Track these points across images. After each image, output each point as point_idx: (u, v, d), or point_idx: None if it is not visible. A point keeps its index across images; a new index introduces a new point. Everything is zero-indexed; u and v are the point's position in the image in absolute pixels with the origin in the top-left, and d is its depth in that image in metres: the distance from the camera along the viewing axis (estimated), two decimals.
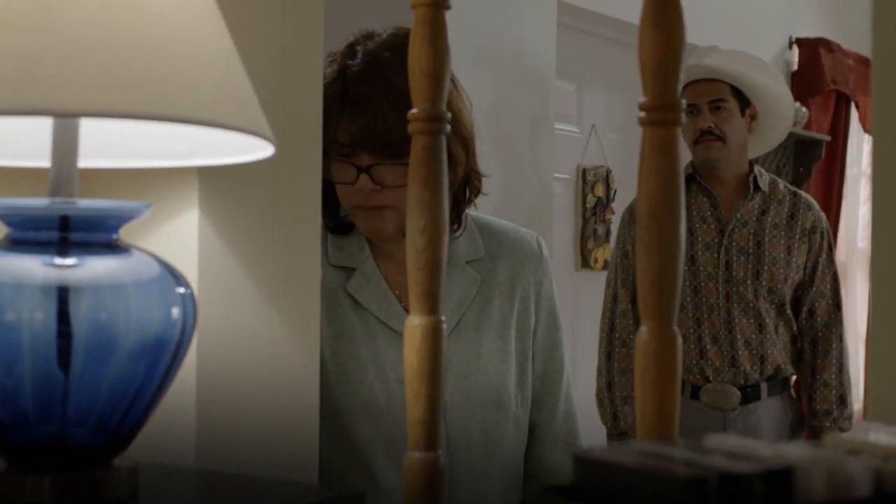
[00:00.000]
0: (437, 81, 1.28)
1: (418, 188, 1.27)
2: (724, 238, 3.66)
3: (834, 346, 3.66)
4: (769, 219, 3.67)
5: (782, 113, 3.79)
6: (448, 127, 1.31)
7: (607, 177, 5.15)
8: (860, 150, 7.24)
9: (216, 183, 1.50)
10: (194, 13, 1.21)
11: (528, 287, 1.98)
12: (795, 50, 6.40)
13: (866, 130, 6.99)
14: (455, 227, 1.93)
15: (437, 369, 1.28)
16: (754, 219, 3.67)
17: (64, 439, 1.21)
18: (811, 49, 6.36)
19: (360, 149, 1.78)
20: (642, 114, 1.15)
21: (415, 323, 1.28)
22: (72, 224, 1.20)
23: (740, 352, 3.63)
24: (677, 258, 1.14)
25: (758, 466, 0.76)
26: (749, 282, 3.64)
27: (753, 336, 3.64)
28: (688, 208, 3.69)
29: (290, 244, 1.62)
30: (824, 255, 3.68)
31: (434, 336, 1.28)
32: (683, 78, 4.00)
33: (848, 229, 7.09)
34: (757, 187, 3.70)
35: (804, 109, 6.16)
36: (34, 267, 1.19)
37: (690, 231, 3.69)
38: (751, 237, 3.65)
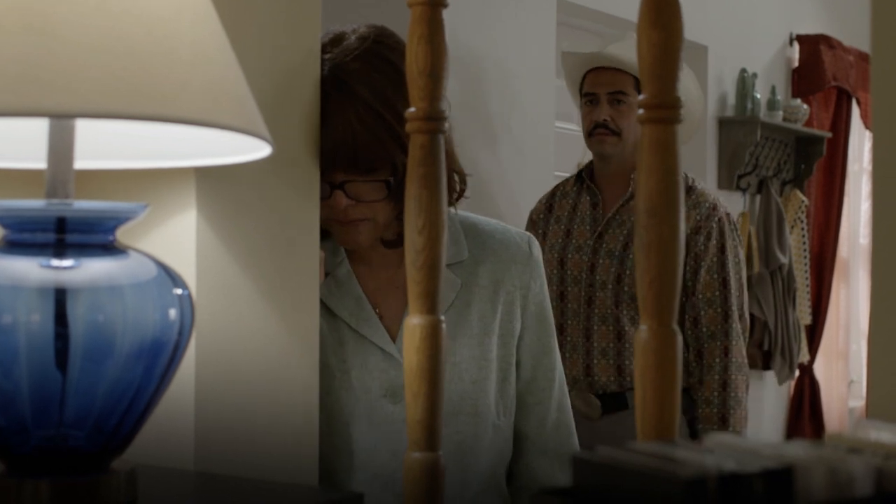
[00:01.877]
0: (435, 80, 1.27)
1: (416, 187, 1.27)
2: (595, 240, 3.43)
3: (717, 360, 3.32)
4: None
5: (690, 112, 3.47)
6: (447, 126, 1.30)
7: None
8: (861, 146, 7.23)
9: (213, 183, 1.50)
10: (190, 14, 1.20)
11: (513, 290, 1.88)
12: (796, 46, 6.39)
13: (867, 127, 6.98)
14: None
15: (437, 369, 1.28)
16: (633, 219, 3.37)
17: (62, 442, 1.20)
18: (812, 46, 6.35)
19: (331, 165, 1.70)
20: (641, 111, 1.14)
21: (414, 322, 1.28)
22: (68, 225, 1.20)
23: (595, 361, 3.38)
24: (677, 257, 1.13)
25: (758, 466, 0.75)
26: (610, 287, 3.37)
27: (611, 346, 3.36)
28: (574, 208, 3.54)
29: (289, 244, 1.61)
30: (711, 259, 3.35)
31: (434, 335, 1.28)
32: (584, 65, 3.50)
33: (850, 226, 7.08)
34: None
35: (805, 106, 6.15)
36: (31, 269, 1.19)
37: (568, 233, 3.50)
38: (621, 239, 3.39)
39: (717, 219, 3.36)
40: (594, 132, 3.43)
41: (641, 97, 1.15)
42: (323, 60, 1.71)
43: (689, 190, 3.41)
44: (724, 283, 3.33)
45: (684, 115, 3.45)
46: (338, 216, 1.74)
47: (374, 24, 1.80)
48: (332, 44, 1.75)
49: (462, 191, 1.86)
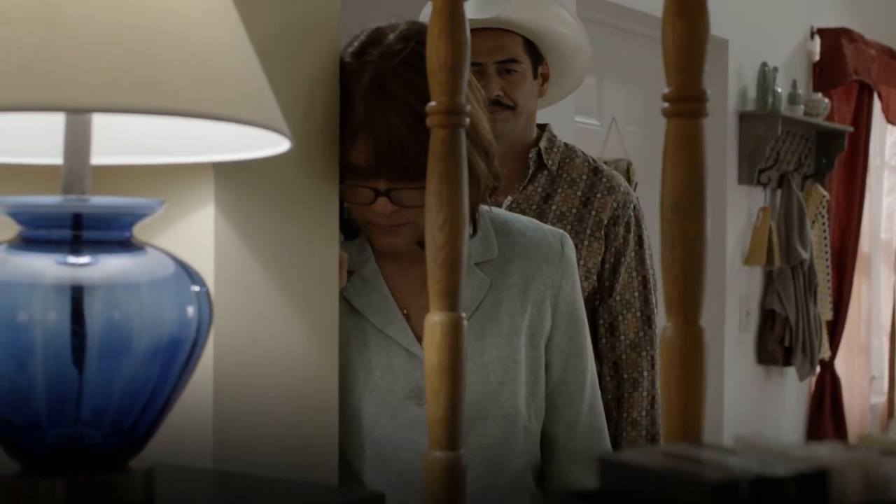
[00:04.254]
0: (456, 74, 1.25)
1: (437, 182, 1.25)
2: None
3: (645, 374, 2.73)
4: (553, 206, 2.75)
5: (578, 71, 2.95)
6: (467, 120, 1.28)
7: (628, 169, 5.11)
8: (883, 140, 7.19)
9: (232, 178, 1.48)
10: (208, 7, 1.19)
11: (543, 290, 1.85)
12: (817, 40, 6.35)
13: (889, 121, 6.94)
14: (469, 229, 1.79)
15: (459, 367, 1.26)
16: (534, 207, 2.76)
17: (78, 441, 1.19)
18: (833, 39, 6.31)
19: (376, 173, 1.66)
20: (665, 105, 1.12)
21: (435, 320, 1.26)
22: (85, 222, 1.19)
23: None
24: (702, 252, 1.11)
25: (791, 469, 0.73)
26: None
27: None
28: None
29: (308, 240, 1.59)
30: (631, 255, 2.74)
31: (454, 333, 1.26)
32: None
33: (871, 221, 7.04)
34: (541, 165, 2.79)
35: (826, 100, 6.12)
36: (47, 266, 1.18)
37: None
38: None
39: (633, 206, 2.77)
40: None
41: (665, 91, 1.12)
42: (364, 63, 1.67)
43: (596, 171, 2.80)
44: (644, 282, 2.77)
45: (566, 79, 2.81)
46: (379, 220, 1.71)
47: (413, 21, 1.74)
48: (371, 44, 1.69)
49: (495, 188, 1.81)
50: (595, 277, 2.71)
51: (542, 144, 2.79)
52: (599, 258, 2.71)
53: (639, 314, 2.74)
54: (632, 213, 2.74)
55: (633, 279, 2.73)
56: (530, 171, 2.76)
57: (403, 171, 1.65)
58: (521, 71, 2.76)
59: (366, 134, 1.64)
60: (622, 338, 2.75)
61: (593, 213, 2.72)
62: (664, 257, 1.12)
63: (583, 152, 2.85)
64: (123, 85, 1.07)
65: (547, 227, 1.93)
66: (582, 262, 2.66)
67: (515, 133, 2.76)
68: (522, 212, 2.68)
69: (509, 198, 2.76)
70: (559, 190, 2.75)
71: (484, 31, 2.73)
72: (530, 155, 2.77)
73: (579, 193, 2.75)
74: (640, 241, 2.75)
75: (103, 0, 1.10)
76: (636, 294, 2.74)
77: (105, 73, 1.07)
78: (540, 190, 2.76)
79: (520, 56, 2.76)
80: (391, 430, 1.76)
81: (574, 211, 2.72)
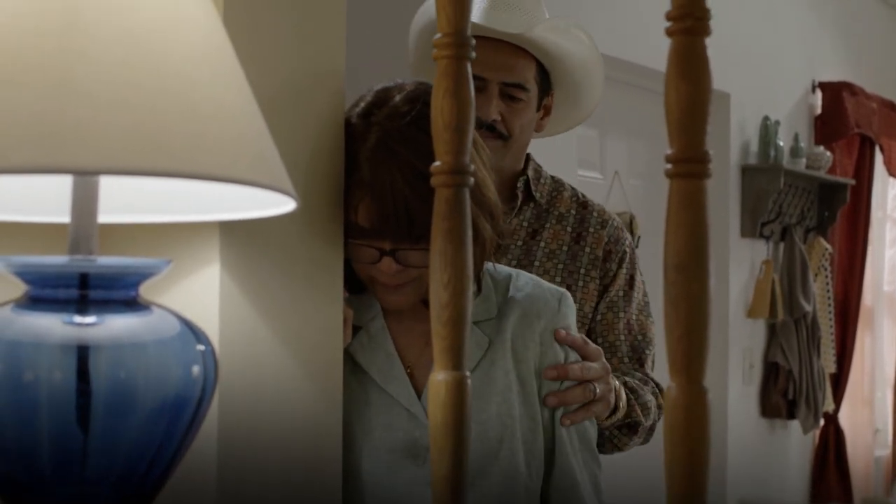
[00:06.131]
0: (461, 134, 1.26)
1: (441, 241, 1.25)
2: None
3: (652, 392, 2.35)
4: (542, 244, 2.48)
5: (587, 105, 2.67)
6: (471, 180, 1.28)
7: (631, 223, 5.12)
8: (885, 193, 7.21)
9: (238, 238, 1.49)
10: (214, 69, 1.20)
11: (533, 347, 1.82)
12: (818, 94, 6.37)
13: (891, 173, 6.96)
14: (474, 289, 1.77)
15: (463, 425, 1.26)
16: (520, 243, 2.47)
17: (83, 500, 1.19)
18: (834, 93, 6.34)
19: (381, 234, 1.67)
20: (668, 166, 1.12)
21: (439, 378, 1.26)
22: (91, 281, 1.19)
23: None
24: (706, 312, 1.11)
25: None
26: None
27: None
28: None
29: (313, 299, 1.60)
30: (617, 292, 2.45)
31: (459, 391, 1.26)
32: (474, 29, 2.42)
33: (874, 273, 7.04)
34: (529, 196, 2.51)
35: (828, 153, 6.14)
36: (53, 325, 1.18)
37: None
38: None
39: (626, 242, 2.51)
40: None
41: (666, 147, 1.13)
42: (370, 124, 1.67)
43: (585, 205, 2.52)
44: (628, 327, 2.45)
45: (580, 97, 2.59)
46: (384, 279, 1.72)
47: (420, 81, 1.75)
48: (378, 105, 1.70)
49: (499, 246, 1.80)
50: (589, 318, 2.43)
51: (530, 174, 2.52)
52: (594, 300, 2.44)
53: (626, 359, 2.41)
54: (626, 250, 2.48)
55: (619, 320, 2.43)
56: (518, 202, 2.48)
57: (408, 233, 1.65)
58: (527, 100, 2.44)
59: (371, 195, 1.64)
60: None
61: (587, 249, 2.46)
62: (668, 317, 1.12)
63: (571, 186, 2.58)
64: (132, 147, 1.08)
65: (548, 285, 1.90)
66: (578, 307, 2.25)
67: (503, 164, 2.43)
68: (507, 248, 2.45)
69: None
70: (547, 225, 2.48)
71: (497, 42, 2.40)
72: (518, 185, 2.49)
73: (569, 229, 2.48)
74: (630, 282, 2.47)
75: (112, 63, 1.11)
76: (621, 338, 2.43)
77: (113, 135, 1.08)
78: (526, 224, 2.49)
79: (529, 83, 2.44)
80: (390, 488, 1.75)
81: (565, 248, 2.46)
